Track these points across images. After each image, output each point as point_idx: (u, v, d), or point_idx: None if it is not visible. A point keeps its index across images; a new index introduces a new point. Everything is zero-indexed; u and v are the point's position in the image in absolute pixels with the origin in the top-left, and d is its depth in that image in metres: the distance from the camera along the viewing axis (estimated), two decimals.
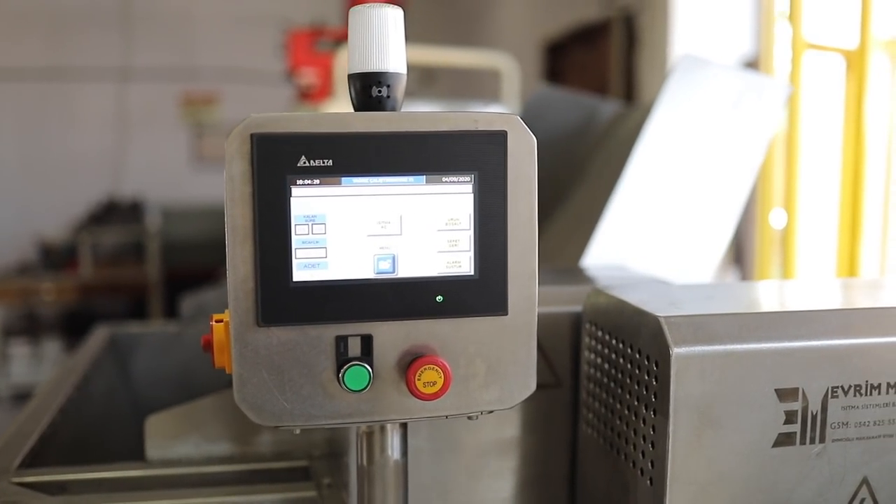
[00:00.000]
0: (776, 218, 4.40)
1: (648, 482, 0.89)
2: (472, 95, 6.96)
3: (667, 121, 1.44)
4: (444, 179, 0.81)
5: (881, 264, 4.17)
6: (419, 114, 0.82)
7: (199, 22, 8.50)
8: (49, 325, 6.76)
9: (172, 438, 1.22)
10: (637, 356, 0.91)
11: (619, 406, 0.96)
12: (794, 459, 0.89)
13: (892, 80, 4.48)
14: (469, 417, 0.86)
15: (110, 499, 1.11)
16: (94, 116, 8.26)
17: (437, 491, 1.07)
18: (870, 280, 1.19)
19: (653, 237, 1.40)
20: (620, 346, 0.95)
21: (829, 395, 0.89)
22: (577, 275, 1.25)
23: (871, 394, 0.90)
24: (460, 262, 0.82)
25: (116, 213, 7.39)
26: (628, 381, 0.93)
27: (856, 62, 4.00)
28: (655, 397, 0.87)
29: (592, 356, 1.03)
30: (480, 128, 0.82)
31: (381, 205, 0.81)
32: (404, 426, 0.90)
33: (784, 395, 0.87)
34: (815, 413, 0.89)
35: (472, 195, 0.82)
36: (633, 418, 0.92)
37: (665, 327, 0.86)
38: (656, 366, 0.87)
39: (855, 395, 0.89)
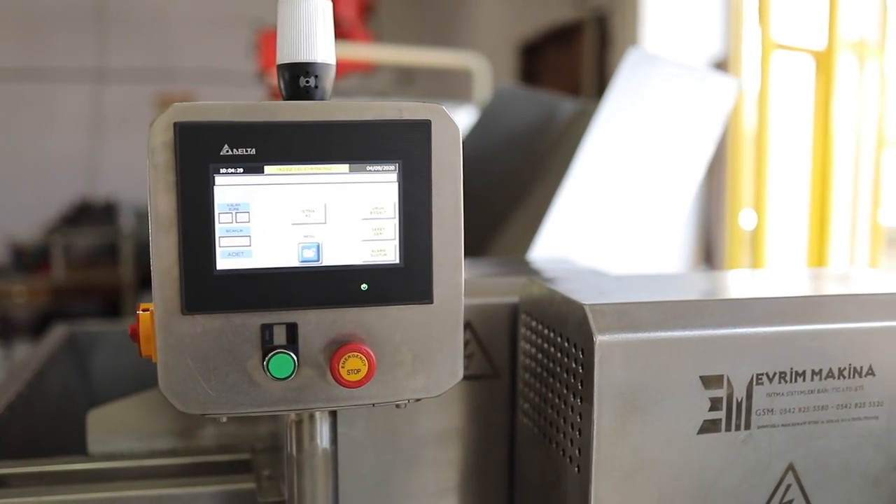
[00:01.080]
0: (746, 218, 4.43)
1: (576, 470, 0.90)
2: (448, 96, 6.97)
3: (614, 115, 1.45)
4: (368, 168, 0.82)
5: (850, 262, 4.21)
6: (343, 103, 0.82)
7: (174, 23, 8.47)
8: (21, 328, 6.71)
9: (115, 432, 1.22)
10: (566, 345, 0.92)
11: (551, 395, 0.97)
12: (720, 446, 0.90)
13: (860, 80, 4.52)
14: (397, 405, 0.86)
15: (50, 492, 1.11)
16: (69, 117, 8.21)
17: (375, 481, 1.08)
18: (815, 270, 1.21)
19: (601, 230, 1.41)
20: (551, 335, 0.96)
21: (755, 383, 0.90)
22: (518, 267, 1.26)
23: (795, 381, 0.91)
24: (385, 250, 0.83)
25: (90, 214, 7.36)
26: (559, 369, 0.94)
27: (824, 63, 4.03)
28: (582, 385, 0.88)
29: (528, 346, 1.04)
30: (405, 117, 0.82)
31: (305, 193, 0.81)
32: (333, 415, 0.90)
33: (709, 382, 0.88)
34: (740, 400, 0.90)
35: (396, 184, 0.82)
36: (563, 407, 0.93)
37: (590, 315, 0.87)
38: (582, 353, 0.88)
39: (780, 382, 0.91)
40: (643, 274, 1.29)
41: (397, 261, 0.83)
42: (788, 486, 0.93)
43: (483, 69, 4.57)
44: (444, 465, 1.10)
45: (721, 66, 4.51)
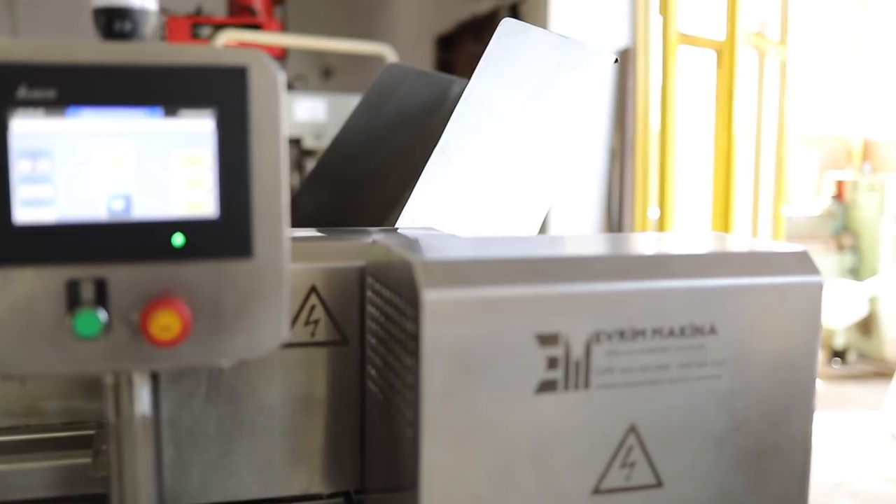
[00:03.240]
0: (652, 213, 4.48)
1: (411, 432, 0.87)
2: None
3: (485, 84, 1.43)
4: (182, 115, 0.78)
5: None
6: (155, 45, 0.78)
7: (85, 8, 8.23)
8: None
9: None
10: (402, 304, 0.89)
11: (391, 359, 0.94)
12: (558, 406, 0.88)
13: (761, 72, 4.61)
14: (218, 367, 0.82)
15: None
16: None
17: (217, 452, 1.03)
18: (673, 233, 1.20)
19: (471, 200, 1.38)
20: (391, 296, 0.93)
21: (593, 341, 0.88)
22: (374, 233, 1.23)
23: (635, 339, 0.89)
24: (201, 202, 0.79)
25: None
26: (397, 331, 0.91)
27: (725, 55, 4.10)
28: (413, 344, 0.85)
29: (373, 310, 1.01)
30: (221, 62, 0.78)
31: (114, 140, 0.76)
32: (155, 378, 0.86)
33: (545, 340, 0.86)
34: (578, 359, 0.88)
35: (212, 133, 0.78)
36: (401, 369, 0.90)
37: (418, 271, 0.84)
38: (413, 311, 0.85)
39: (619, 341, 0.89)
40: (491, 236, 1.27)
41: (214, 214, 0.79)
42: (631, 447, 0.91)
43: (394, 57, 4.53)
44: (292, 435, 1.06)
45: (627, 56, 4.55)
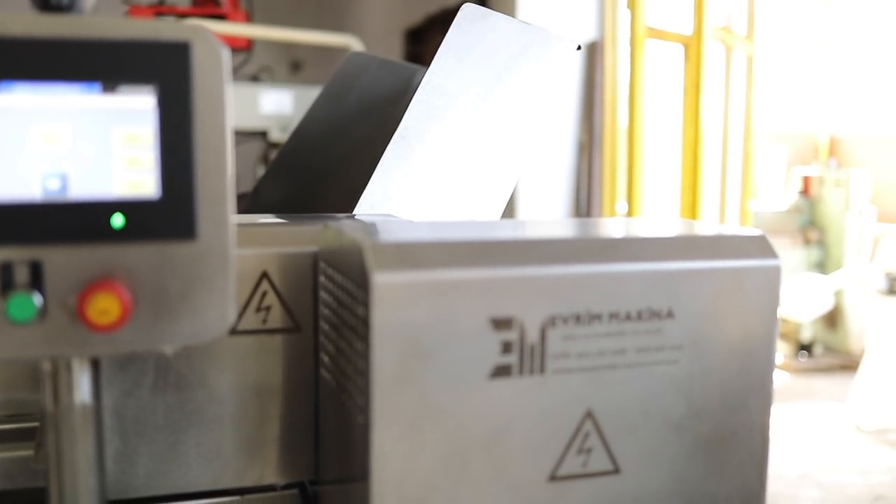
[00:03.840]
0: (620, 209, 4.48)
1: (362, 419, 0.85)
2: None
3: (445, 71, 1.41)
4: (121, 91, 0.75)
5: None
6: (93, 19, 0.75)
7: None
8: None
9: None
10: (353, 287, 0.86)
11: (343, 344, 0.91)
12: (513, 392, 0.86)
13: (726, 65, 4.63)
14: (162, 353, 0.80)
15: None
16: None
17: (166, 442, 1.00)
18: (637, 218, 1.18)
19: (431, 187, 1.36)
20: (342, 279, 0.91)
21: (548, 325, 0.86)
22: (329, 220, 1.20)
23: (592, 323, 0.88)
24: (142, 182, 0.76)
25: None
26: (349, 315, 0.89)
27: (692, 49, 4.11)
28: (364, 328, 0.83)
29: (326, 296, 0.98)
30: (162, 37, 0.76)
31: (50, 117, 0.73)
32: (96, 365, 0.83)
33: (499, 324, 0.84)
34: (532, 344, 0.86)
35: (153, 110, 0.76)
36: (352, 353, 0.88)
37: (368, 253, 0.82)
38: (363, 295, 0.82)
39: (575, 325, 0.87)
40: (452, 221, 1.25)
41: (156, 194, 0.76)
42: (587, 433, 0.90)
43: (360, 48, 4.50)
44: (244, 424, 1.04)
45: (595, 49, 4.55)
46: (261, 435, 1.05)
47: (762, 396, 0.96)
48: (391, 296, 0.81)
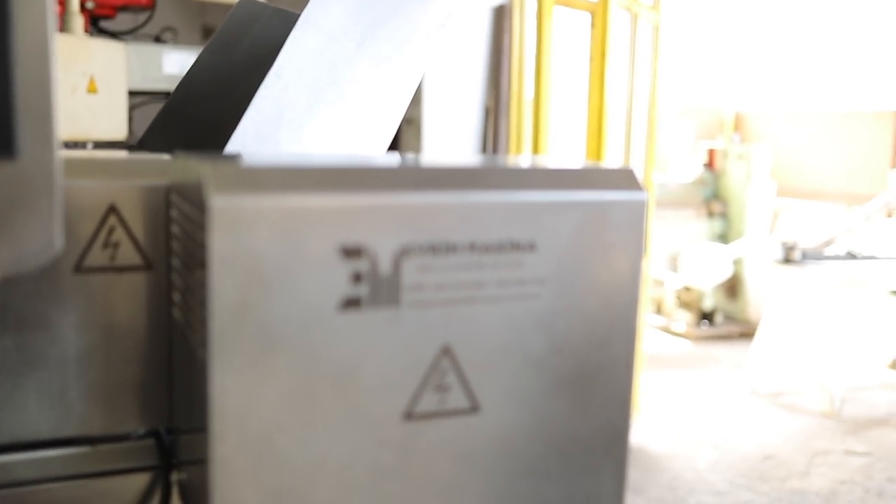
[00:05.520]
0: None
1: (203, 353, 0.80)
2: None
3: (325, 8, 1.35)
4: None
5: None
6: None
7: None
8: None
9: None
10: (196, 214, 0.81)
11: (190, 278, 0.86)
12: (364, 324, 0.82)
13: (632, 33, 4.65)
14: None
15: None
16: None
17: (3, 388, 0.94)
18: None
19: (307, 128, 1.31)
20: (188, 208, 0.85)
21: (402, 255, 0.82)
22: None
23: (448, 255, 0.84)
24: None
25: None
26: (193, 246, 0.83)
27: (598, 16, 4.11)
28: (204, 255, 0.78)
29: (176, 229, 0.93)
30: None
31: None
32: None
33: (349, 253, 0.80)
34: (385, 274, 0.82)
35: None
36: (195, 285, 0.83)
37: (207, 177, 0.76)
38: (203, 219, 0.77)
39: (431, 256, 0.84)
40: (314, 153, 1.20)
41: None
42: (445, 370, 0.86)
43: None
44: (90, 368, 0.98)
45: (504, 14, 4.52)
46: (110, 380, 0.99)
47: (627, 333, 0.95)
48: (231, 221, 0.76)
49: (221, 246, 0.76)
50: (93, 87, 2.88)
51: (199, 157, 0.89)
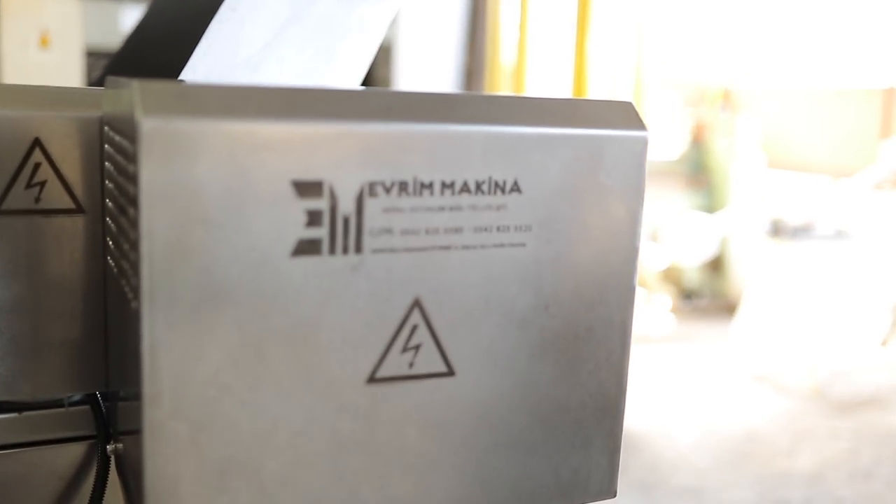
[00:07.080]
0: None
1: (135, 304, 0.69)
2: None
3: None
4: None
5: None
6: None
7: None
8: None
9: None
10: (125, 143, 0.70)
11: (122, 219, 0.75)
12: (322, 273, 0.71)
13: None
14: None
15: None
16: None
17: None
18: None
19: (262, 66, 1.19)
20: (119, 139, 0.74)
21: (367, 194, 0.71)
22: None
23: (421, 194, 0.73)
24: None
25: None
26: (124, 181, 0.72)
27: None
28: (134, 188, 0.67)
29: (109, 165, 0.81)
30: None
31: None
32: None
33: (304, 189, 0.69)
34: (347, 215, 0.71)
35: None
36: (127, 225, 0.71)
37: (136, 95, 0.65)
38: (133, 147, 0.66)
39: (400, 195, 0.72)
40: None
41: None
42: (415, 327, 0.75)
43: None
44: (11, 324, 0.86)
45: None
46: (38, 338, 0.87)
47: (623, 290, 0.84)
48: (165, 148, 0.64)
49: (153, 178, 0.64)
50: (45, 42, 2.74)
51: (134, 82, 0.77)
